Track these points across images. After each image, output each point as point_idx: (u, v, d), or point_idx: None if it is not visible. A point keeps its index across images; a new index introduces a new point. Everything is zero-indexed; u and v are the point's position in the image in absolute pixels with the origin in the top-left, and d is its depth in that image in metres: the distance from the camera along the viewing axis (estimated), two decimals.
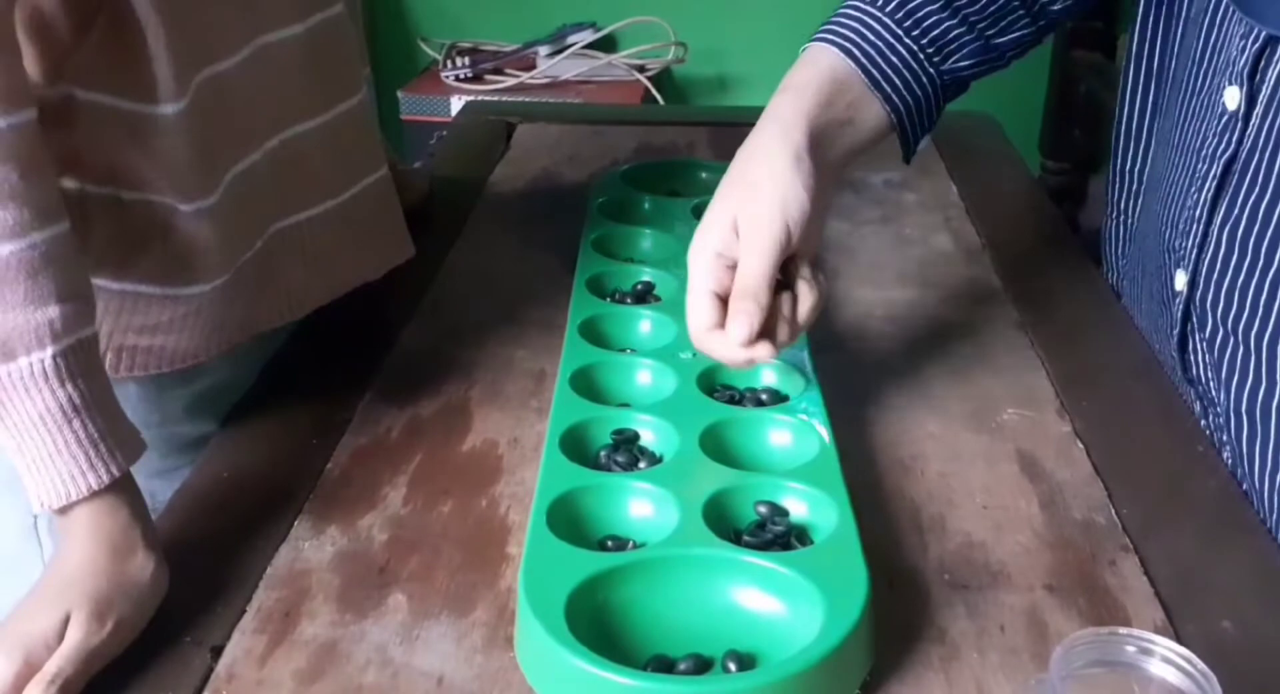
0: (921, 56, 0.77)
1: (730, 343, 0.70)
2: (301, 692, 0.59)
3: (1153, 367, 0.86)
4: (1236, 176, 0.73)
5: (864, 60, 0.76)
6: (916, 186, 1.17)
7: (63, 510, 0.60)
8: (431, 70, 2.32)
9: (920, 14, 0.77)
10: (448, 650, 0.61)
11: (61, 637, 0.57)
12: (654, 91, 2.25)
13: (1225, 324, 0.74)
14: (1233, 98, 0.73)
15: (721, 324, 0.71)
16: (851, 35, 0.76)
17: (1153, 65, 0.87)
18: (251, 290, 0.79)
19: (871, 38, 0.76)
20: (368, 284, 0.89)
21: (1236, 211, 0.73)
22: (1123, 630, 0.52)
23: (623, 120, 1.40)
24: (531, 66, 2.25)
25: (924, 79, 0.77)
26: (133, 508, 0.62)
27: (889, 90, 0.76)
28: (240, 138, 0.76)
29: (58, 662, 0.57)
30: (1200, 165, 0.77)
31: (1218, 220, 0.75)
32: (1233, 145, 0.73)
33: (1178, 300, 0.79)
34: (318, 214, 0.83)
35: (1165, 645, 0.51)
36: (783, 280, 0.72)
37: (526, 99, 2.14)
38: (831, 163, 0.75)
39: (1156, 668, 0.51)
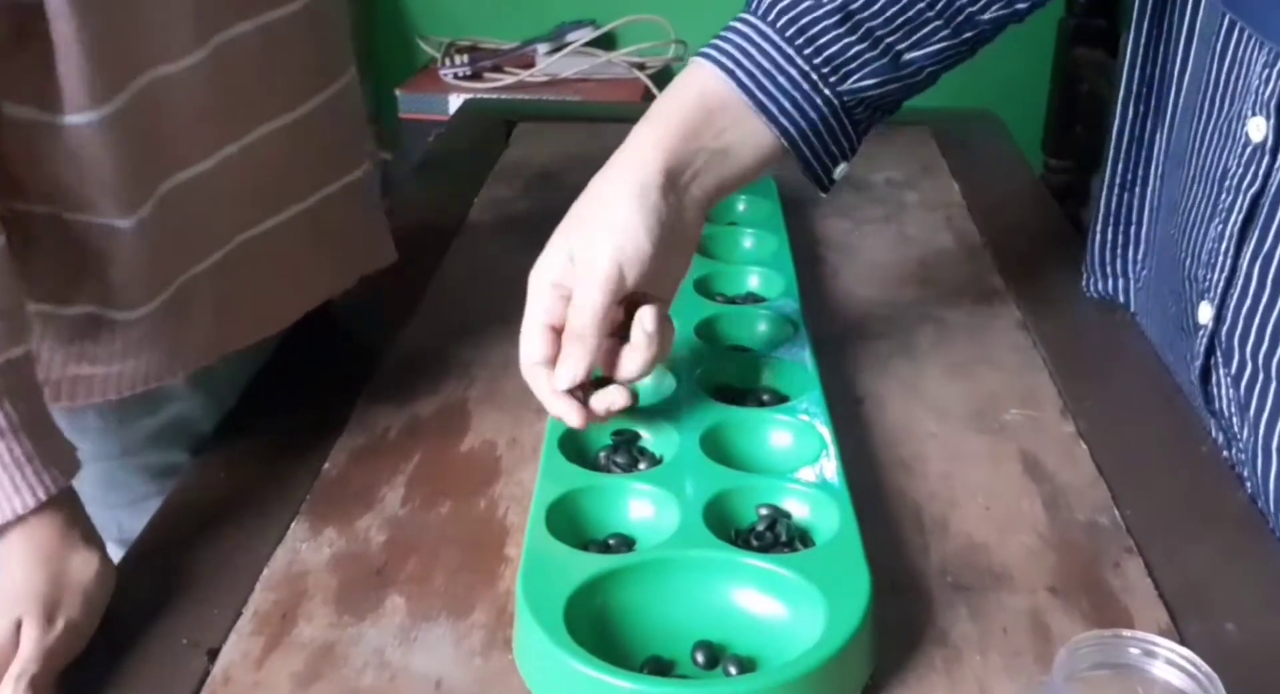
0: (815, 77, 0.70)
1: (552, 385, 0.67)
2: None
3: (1156, 366, 0.85)
4: (1265, 211, 0.70)
5: (748, 82, 0.70)
6: (918, 185, 1.17)
7: None
8: (430, 68, 2.32)
9: (815, 31, 0.70)
10: (446, 652, 0.60)
11: (18, 642, 0.57)
12: (654, 90, 2.25)
13: (1255, 359, 0.72)
14: (1258, 129, 0.70)
15: (552, 359, 0.68)
16: (736, 54, 0.70)
17: (1151, 76, 0.85)
18: (214, 308, 0.76)
19: (759, 58, 0.70)
20: (365, 285, 0.88)
21: (1267, 247, 0.70)
22: (1126, 632, 0.52)
23: (622, 118, 1.38)
24: (530, 64, 2.24)
25: (818, 101, 0.71)
26: (66, 514, 0.61)
27: (776, 112, 0.70)
28: (187, 145, 0.72)
29: (20, 663, 0.57)
30: (1224, 197, 0.73)
31: (1246, 254, 0.72)
32: (1259, 179, 0.70)
33: (1202, 333, 0.76)
34: (284, 221, 0.79)
35: (1169, 647, 0.51)
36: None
37: (525, 97, 2.14)
38: (696, 197, 0.70)
39: (1160, 670, 0.51)
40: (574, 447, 0.70)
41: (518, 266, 1.02)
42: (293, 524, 0.70)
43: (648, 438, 0.72)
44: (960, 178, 1.19)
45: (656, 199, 0.68)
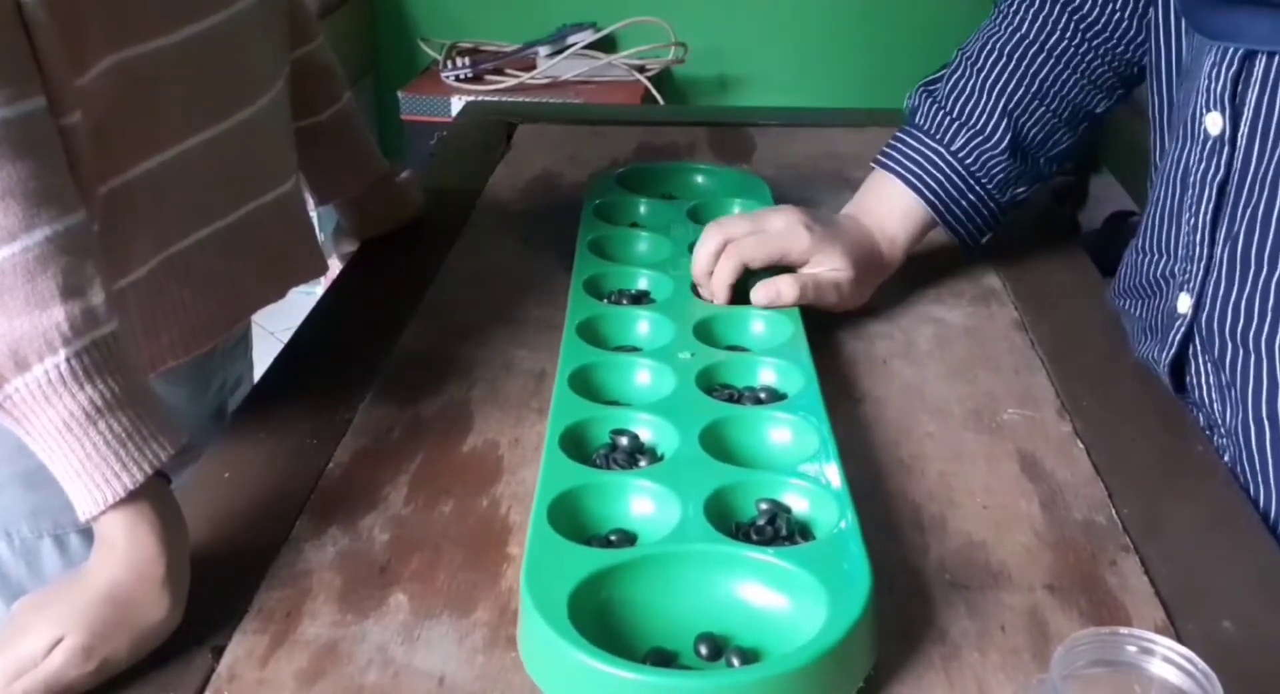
0: (986, 196, 0.93)
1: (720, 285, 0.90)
2: (303, 692, 0.59)
3: (1152, 366, 0.86)
4: (1231, 197, 0.75)
5: (939, 205, 0.93)
6: None
7: (99, 517, 0.58)
8: (432, 70, 2.32)
9: (989, 159, 0.92)
10: (449, 650, 0.61)
11: (47, 655, 0.57)
12: (654, 92, 2.26)
13: (1235, 338, 0.75)
14: (1215, 123, 0.75)
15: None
16: (929, 181, 0.92)
17: (1162, 98, 0.87)
18: (142, 324, 0.74)
19: (948, 186, 0.92)
20: (367, 285, 0.88)
21: (1236, 228, 0.75)
22: (1124, 630, 0.52)
23: (623, 120, 1.40)
24: (532, 67, 2.25)
25: (985, 212, 0.94)
26: (166, 532, 0.60)
27: (955, 224, 0.95)
28: (107, 159, 0.69)
29: (25, 684, 0.56)
30: (1190, 192, 0.78)
31: (1220, 240, 0.76)
32: (1223, 169, 0.75)
33: (1178, 324, 0.80)
34: (208, 235, 0.78)
35: (1166, 645, 0.51)
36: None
37: (527, 99, 2.15)
38: (903, 249, 0.95)
39: (1158, 668, 0.51)
40: (574, 445, 0.71)
41: (519, 267, 1.03)
42: (297, 523, 0.70)
43: (647, 436, 0.72)
44: None
45: (874, 252, 0.93)
